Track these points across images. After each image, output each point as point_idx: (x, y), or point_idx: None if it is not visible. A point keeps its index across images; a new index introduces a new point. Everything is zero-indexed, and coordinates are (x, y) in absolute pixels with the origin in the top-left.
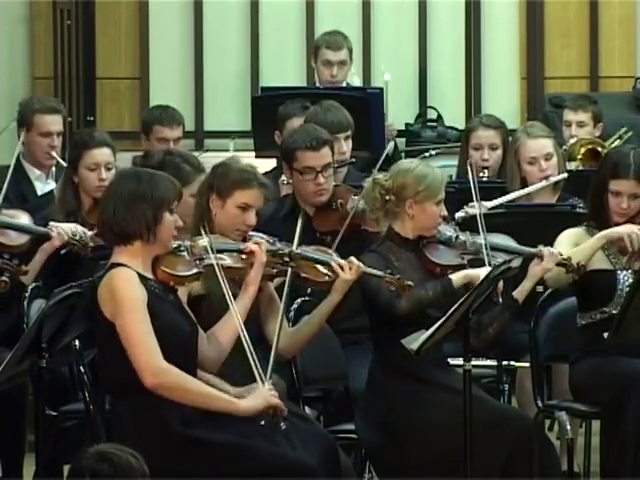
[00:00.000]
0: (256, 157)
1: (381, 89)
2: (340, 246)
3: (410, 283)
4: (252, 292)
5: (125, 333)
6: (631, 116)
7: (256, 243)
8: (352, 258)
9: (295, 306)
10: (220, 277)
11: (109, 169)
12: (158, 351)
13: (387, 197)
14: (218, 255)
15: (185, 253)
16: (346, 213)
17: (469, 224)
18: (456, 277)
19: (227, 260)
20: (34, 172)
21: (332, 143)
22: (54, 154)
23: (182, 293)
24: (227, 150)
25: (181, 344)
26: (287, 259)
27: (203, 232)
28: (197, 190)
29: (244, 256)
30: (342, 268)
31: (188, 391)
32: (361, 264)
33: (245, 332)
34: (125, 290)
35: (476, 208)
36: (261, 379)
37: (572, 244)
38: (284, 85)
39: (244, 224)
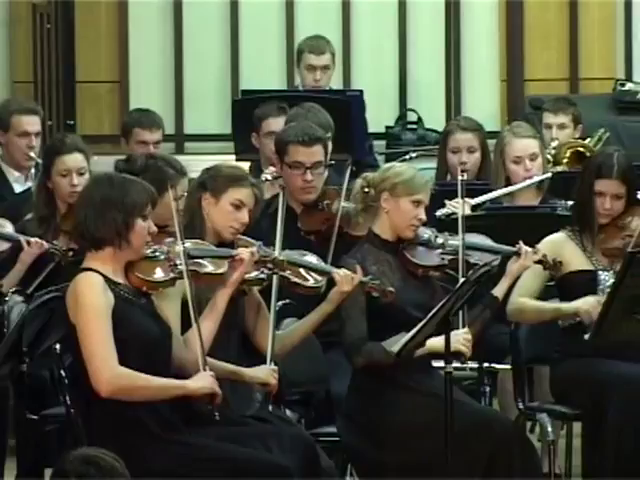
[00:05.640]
0: (237, 160)
1: (361, 91)
2: (323, 249)
3: (391, 289)
4: (227, 295)
5: (82, 340)
6: (611, 118)
7: (251, 253)
8: (346, 271)
9: (277, 309)
10: (187, 283)
11: (81, 174)
12: (113, 359)
13: (366, 189)
14: (199, 261)
15: (161, 258)
16: (331, 214)
17: (448, 225)
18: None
19: (208, 267)
20: (13, 174)
21: (326, 142)
22: (32, 155)
23: (175, 296)
24: (208, 153)
25: (149, 348)
26: (272, 265)
27: (178, 238)
28: (187, 191)
29: (230, 262)
30: (341, 279)
31: (143, 388)
32: (359, 275)
33: (200, 331)
34: (87, 296)
35: (459, 207)
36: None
37: (552, 252)
38: (264, 88)
39: (238, 222)
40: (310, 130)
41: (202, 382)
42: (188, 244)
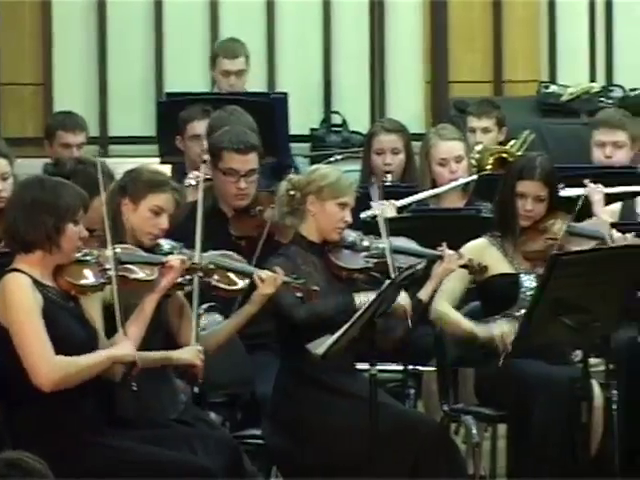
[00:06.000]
0: (161, 163)
1: (285, 94)
2: (253, 254)
3: (316, 288)
4: (155, 301)
5: (16, 339)
6: (535, 120)
7: (181, 260)
8: (268, 272)
9: (201, 312)
10: (114, 289)
11: (5, 179)
12: (50, 352)
13: (292, 192)
14: (128, 266)
15: (91, 262)
16: (263, 221)
17: (374, 228)
18: (359, 300)
19: (138, 273)
20: None
21: (260, 150)
22: None
23: (96, 298)
24: (132, 156)
25: (75, 351)
26: (202, 273)
27: (109, 243)
28: (107, 195)
29: (160, 268)
30: (262, 281)
31: (80, 370)
32: (281, 275)
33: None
34: (17, 294)
35: (382, 210)
36: None
37: (474, 257)
38: (189, 90)
39: (157, 228)
40: (245, 137)
41: (119, 351)
42: (118, 249)
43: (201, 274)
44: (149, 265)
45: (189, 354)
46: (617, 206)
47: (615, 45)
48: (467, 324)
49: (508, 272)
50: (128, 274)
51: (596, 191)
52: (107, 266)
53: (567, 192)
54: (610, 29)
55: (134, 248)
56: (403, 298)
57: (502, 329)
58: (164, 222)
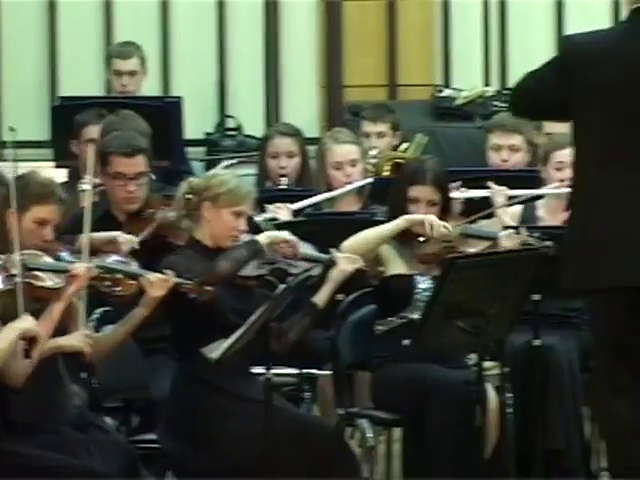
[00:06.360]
0: (56, 167)
1: (179, 98)
2: (147, 257)
3: (209, 288)
4: (60, 309)
5: None
6: (430, 124)
7: (87, 269)
8: (158, 275)
9: (97, 316)
10: (19, 296)
11: None
12: None
13: (189, 196)
14: (36, 273)
15: None
16: (154, 222)
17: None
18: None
19: (46, 281)
20: None
21: (148, 153)
22: None
23: None
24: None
25: None
26: (104, 277)
27: (16, 249)
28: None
29: (66, 276)
30: (152, 283)
31: None
32: (172, 277)
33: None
34: None
35: (278, 212)
36: None
37: (372, 257)
38: (84, 93)
39: (41, 240)
40: (132, 141)
41: (18, 324)
42: (25, 256)
43: (109, 283)
44: (56, 273)
45: (76, 339)
46: (518, 209)
47: (509, 49)
48: (372, 230)
49: (403, 273)
50: (34, 281)
51: (500, 193)
52: (14, 272)
53: (470, 193)
54: (504, 34)
55: (40, 254)
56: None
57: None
58: (48, 234)
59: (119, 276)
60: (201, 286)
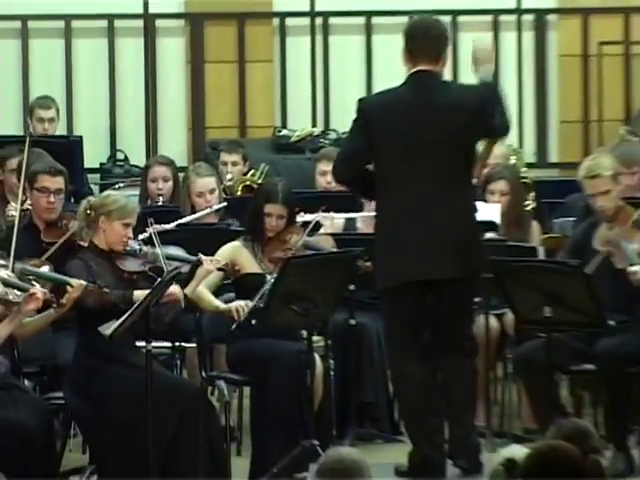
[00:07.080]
0: None
1: (80, 137)
2: (59, 258)
3: (107, 290)
4: (14, 325)
5: None
6: (271, 156)
7: (44, 293)
8: (78, 280)
9: None
10: None
11: None
12: None
13: (88, 212)
14: None
15: None
16: (67, 231)
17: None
18: (136, 295)
19: (8, 295)
20: None
21: (66, 176)
22: None
23: None
24: None
25: None
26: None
27: None
28: None
29: (25, 296)
30: (72, 287)
31: None
32: (83, 282)
33: None
34: None
35: (151, 229)
36: None
37: (227, 255)
38: (5, 133)
39: None
40: (54, 164)
41: None
42: None
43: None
44: (17, 289)
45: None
46: (341, 222)
47: (331, 100)
48: (215, 301)
49: (256, 272)
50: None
51: (327, 217)
52: None
53: (305, 217)
54: (327, 88)
55: (8, 272)
56: (175, 288)
57: (238, 304)
58: None
59: (47, 282)
60: (101, 288)
